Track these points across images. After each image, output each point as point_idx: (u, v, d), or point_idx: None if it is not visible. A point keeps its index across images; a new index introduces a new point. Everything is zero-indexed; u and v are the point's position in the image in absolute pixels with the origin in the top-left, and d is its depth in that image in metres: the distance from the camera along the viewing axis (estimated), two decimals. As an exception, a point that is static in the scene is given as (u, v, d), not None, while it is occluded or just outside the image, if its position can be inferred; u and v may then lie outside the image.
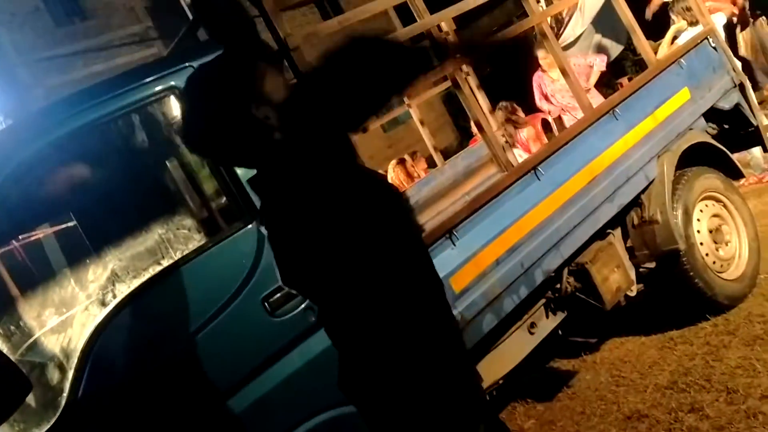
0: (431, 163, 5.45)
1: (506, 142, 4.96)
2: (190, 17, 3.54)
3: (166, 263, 2.23)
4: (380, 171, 6.09)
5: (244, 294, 2.24)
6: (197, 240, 2.30)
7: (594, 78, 5.30)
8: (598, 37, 5.93)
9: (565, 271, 3.24)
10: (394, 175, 5.58)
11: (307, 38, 2.68)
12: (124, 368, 2.14)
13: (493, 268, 2.83)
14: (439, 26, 4.56)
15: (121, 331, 2.13)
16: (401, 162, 5.64)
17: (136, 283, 2.19)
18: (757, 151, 5.03)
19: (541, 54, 5.34)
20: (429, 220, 4.24)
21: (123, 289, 2.21)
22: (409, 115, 5.61)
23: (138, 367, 2.14)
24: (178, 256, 2.25)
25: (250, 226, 2.31)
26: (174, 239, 2.29)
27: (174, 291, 2.20)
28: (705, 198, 3.70)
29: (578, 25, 5.70)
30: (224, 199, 2.42)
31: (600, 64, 5.28)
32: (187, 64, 2.33)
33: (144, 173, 2.48)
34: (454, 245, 2.74)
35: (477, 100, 4.83)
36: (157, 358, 2.16)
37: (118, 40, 10.69)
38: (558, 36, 5.41)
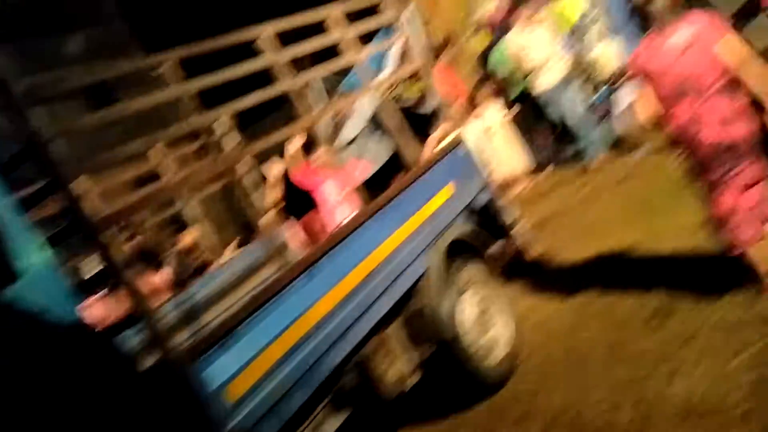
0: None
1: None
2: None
3: None
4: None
5: None
6: None
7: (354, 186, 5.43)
8: (375, 138, 6.37)
9: (347, 367, 3.26)
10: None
11: (62, 132, 2.49)
12: None
13: (273, 370, 2.73)
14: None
15: None
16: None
17: None
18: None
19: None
20: (210, 321, 4.03)
21: None
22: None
23: None
24: None
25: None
26: None
27: None
28: (470, 287, 4.01)
29: (355, 126, 6.08)
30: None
31: (363, 172, 5.45)
32: None
33: None
34: (229, 350, 2.61)
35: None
36: None
37: None
38: (336, 137, 5.71)
